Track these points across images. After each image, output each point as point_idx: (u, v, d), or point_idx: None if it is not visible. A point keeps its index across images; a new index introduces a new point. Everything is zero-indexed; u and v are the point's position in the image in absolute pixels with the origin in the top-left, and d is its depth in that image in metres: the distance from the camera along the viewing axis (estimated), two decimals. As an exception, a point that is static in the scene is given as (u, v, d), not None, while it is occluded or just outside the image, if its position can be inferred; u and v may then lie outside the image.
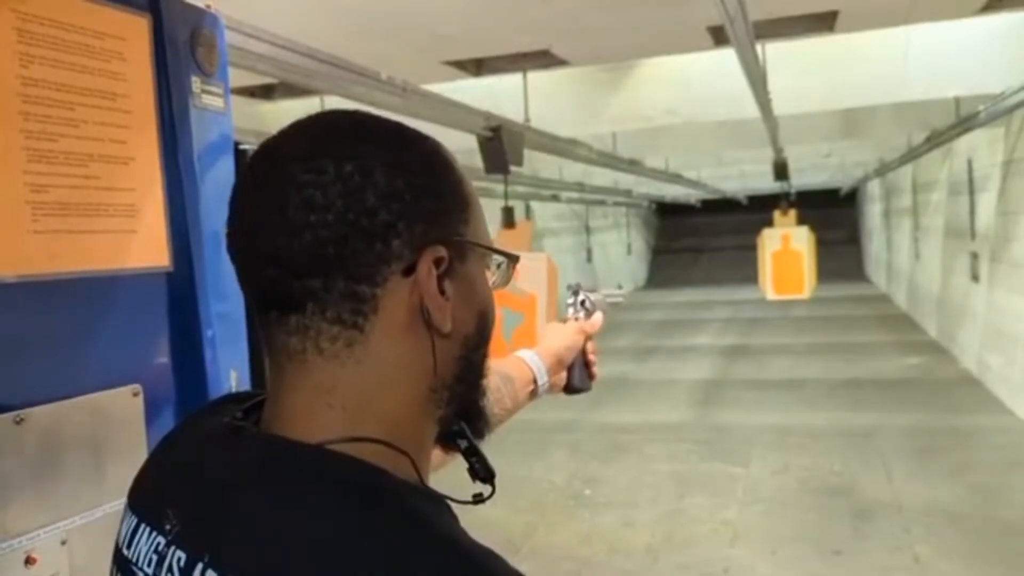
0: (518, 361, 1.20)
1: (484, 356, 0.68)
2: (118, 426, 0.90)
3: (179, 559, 0.57)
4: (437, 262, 0.61)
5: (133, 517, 0.64)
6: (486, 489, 0.70)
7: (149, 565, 0.60)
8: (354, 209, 0.58)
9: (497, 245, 0.69)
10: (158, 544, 0.60)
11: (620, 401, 8.31)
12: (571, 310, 1.34)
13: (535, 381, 1.21)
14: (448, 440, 0.70)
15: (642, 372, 9.98)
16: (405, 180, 0.60)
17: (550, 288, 3.85)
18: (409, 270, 0.60)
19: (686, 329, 13.62)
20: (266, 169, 0.62)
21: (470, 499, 0.67)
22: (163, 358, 0.96)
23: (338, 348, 0.60)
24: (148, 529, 0.62)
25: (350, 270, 0.59)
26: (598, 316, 1.33)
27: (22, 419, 0.82)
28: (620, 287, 1.53)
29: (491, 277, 0.69)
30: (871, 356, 10.09)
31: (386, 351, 0.60)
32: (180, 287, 1.00)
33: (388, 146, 0.62)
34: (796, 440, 6.62)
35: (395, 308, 0.60)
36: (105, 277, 0.91)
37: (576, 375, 1.28)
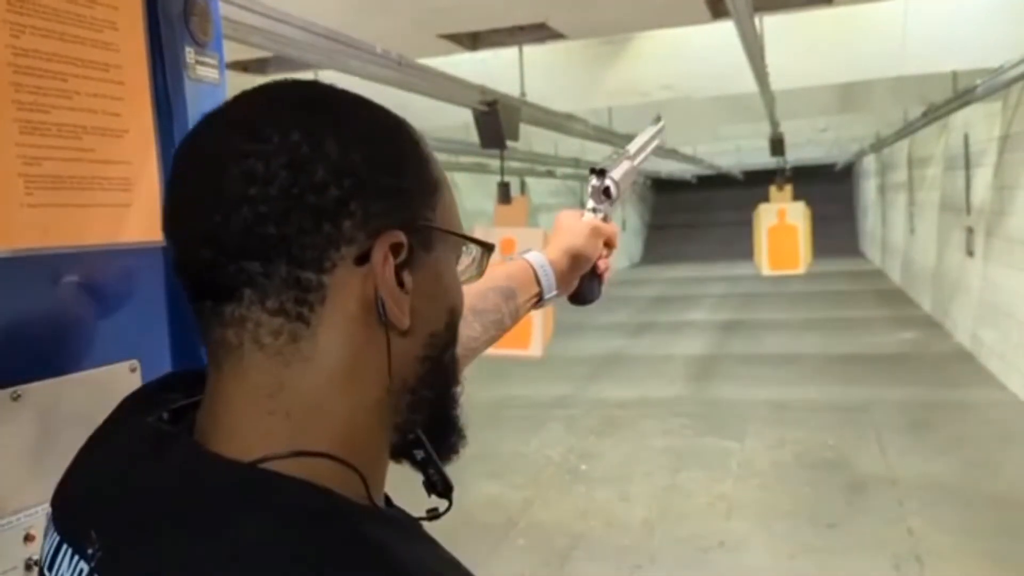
0: (524, 267, 1.04)
1: (454, 358, 0.61)
2: (116, 402, 0.89)
3: None
4: (395, 249, 0.54)
5: (55, 534, 0.57)
6: (443, 503, 0.63)
7: None
8: (300, 183, 0.52)
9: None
10: (81, 571, 0.53)
11: (616, 376, 8.34)
12: (591, 201, 1.12)
13: (540, 294, 1.05)
14: (404, 451, 0.62)
15: (638, 347, 10.01)
16: (362, 153, 0.54)
17: (546, 264, 3.84)
18: (363, 257, 0.53)
19: (681, 305, 13.64)
20: (204, 138, 0.56)
21: (424, 514, 0.60)
22: (160, 333, 0.95)
23: (281, 343, 0.53)
24: (70, 552, 0.55)
25: (293, 253, 0.52)
26: (614, 227, 1.14)
27: (19, 395, 0.81)
28: (658, 119, 1.23)
29: (464, 269, 0.63)
30: (866, 331, 10.13)
31: (336, 348, 0.54)
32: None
33: (344, 117, 0.55)
34: (791, 415, 6.66)
35: (346, 299, 0.53)
36: (100, 251, 0.89)
37: (586, 283, 1.11)
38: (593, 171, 1.13)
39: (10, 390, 0.80)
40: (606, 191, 1.12)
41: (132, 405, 0.63)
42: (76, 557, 0.54)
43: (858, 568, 4.06)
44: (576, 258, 1.08)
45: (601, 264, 1.12)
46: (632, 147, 1.19)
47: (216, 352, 0.55)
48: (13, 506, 0.81)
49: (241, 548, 0.47)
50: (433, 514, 0.62)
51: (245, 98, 0.57)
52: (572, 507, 5.00)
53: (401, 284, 0.55)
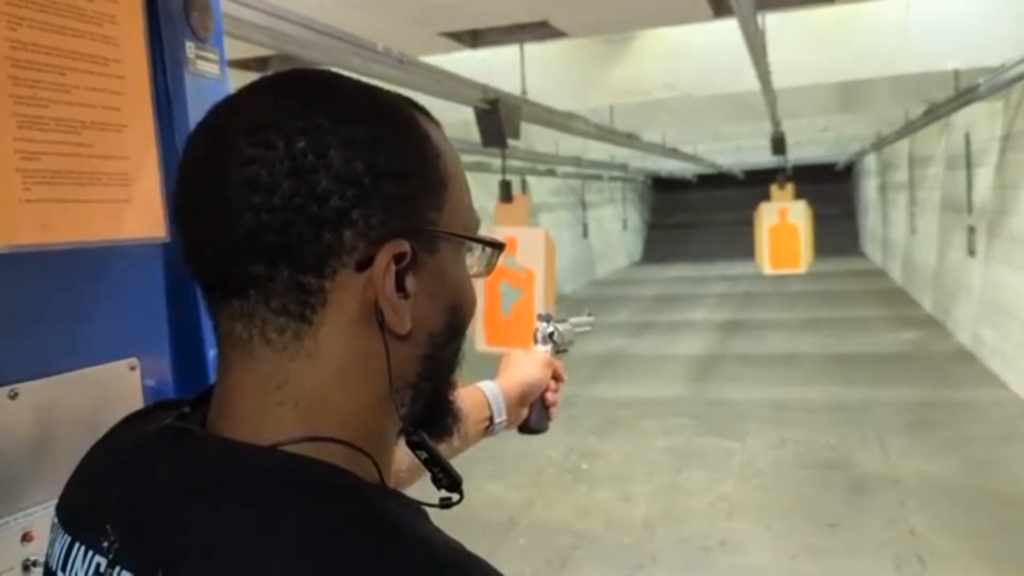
0: (476, 393, 1.10)
1: (456, 350, 0.62)
2: (115, 400, 0.88)
3: None
4: (398, 258, 0.54)
5: (66, 535, 0.58)
6: (454, 495, 0.65)
7: None
8: (302, 193, 0.52)
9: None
10: (98, 565, 0.54)
11: (617, 376, 8.33)
12: (539, 344, 1.25)
13: (491, 419, 1.11)
14: (409, 445, 0.64)
15: (638, 347, 10.00)
16: (365, 161, 0.53)
17: (548, 263, 3.84)
18: (364, 264, 0.54)
19: (682, 304, 13.63)
20: (210, 138, 0.56)
21: (436, 502, 0.62)
22: (160, 330, 0.94)
23: (286, 339, 0.54)
24: (84, 548, 0.56)
25: (295, 260, 0.53)
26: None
27: (16, 393, 0.80)
28: (590, 315, 1.43)
29: (473, 264, 0.63)
30: (866, 331, 10.12)
31: (338, 347, 0.55)
32: (176, 257, 0.97)
33: (350, 119, 0.55)
34: (792, 414, 6.65)
35: (347, 303, 0.54)
36: (99, 247, 0.88)
37: (534, 414, 1.19)
38: (540, 317, 1.28)
39: (8, 388, 0.79)
40: (551, 335, 1.26)
41: (133, 417, 0.64)
42: (91, 553, 0.55)
43: (859, 568, 4.05)
44: (527, 387, 1.16)
45: (550, 396, 1.20)
46: (573, 319, 1.36)
47: (225, 343, 0.57)
48: (12, 506, 0.80)
49: (261, 523, 0.48)
50: (446, 503, 0.63)
51: (253, 92, 0.57)
52: (573, 507, 4.99)
53: (403, 289, 0.55)
